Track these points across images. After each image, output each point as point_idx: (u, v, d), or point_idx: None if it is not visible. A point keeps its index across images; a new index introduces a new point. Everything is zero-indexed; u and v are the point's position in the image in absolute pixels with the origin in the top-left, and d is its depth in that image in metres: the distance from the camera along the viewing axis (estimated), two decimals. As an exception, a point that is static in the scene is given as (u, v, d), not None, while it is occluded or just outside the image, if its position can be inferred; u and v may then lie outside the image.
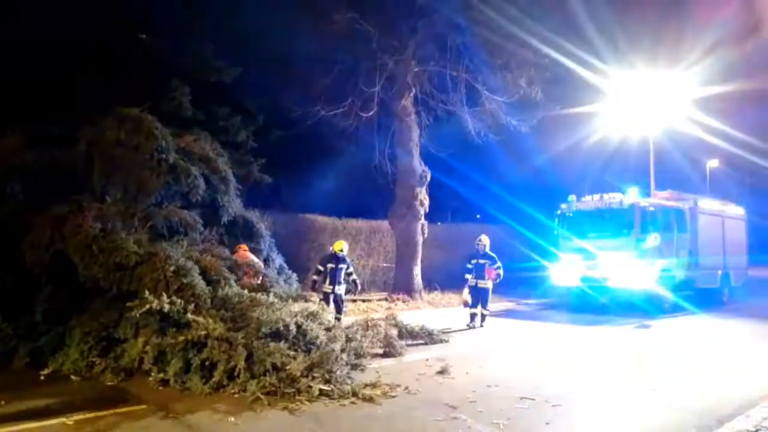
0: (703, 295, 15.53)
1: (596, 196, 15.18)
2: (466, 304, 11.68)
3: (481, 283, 11.48)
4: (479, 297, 11.54)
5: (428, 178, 16.88)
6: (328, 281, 10.11)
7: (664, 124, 19.91)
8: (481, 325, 11.43)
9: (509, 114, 16.18)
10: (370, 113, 15.63)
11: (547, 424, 5.23)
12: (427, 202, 16.95)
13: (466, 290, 11.69)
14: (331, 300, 10.00)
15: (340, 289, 10.27)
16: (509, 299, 17.72)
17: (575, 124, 20.02)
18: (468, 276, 11.67)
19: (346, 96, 15.40)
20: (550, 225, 16.66)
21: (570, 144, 21.72)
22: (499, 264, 11.48)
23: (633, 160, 22.62)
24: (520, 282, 20.42)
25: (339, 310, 10.19)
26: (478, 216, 30.28)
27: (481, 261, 11.56)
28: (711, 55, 17.16)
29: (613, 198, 14.76)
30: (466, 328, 11.39)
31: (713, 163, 28.93)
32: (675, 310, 14.10)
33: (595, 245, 14.44)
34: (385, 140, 16.99)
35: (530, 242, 20.99)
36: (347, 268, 10.40)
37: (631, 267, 13.66)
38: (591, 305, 14.54)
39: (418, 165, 16.71)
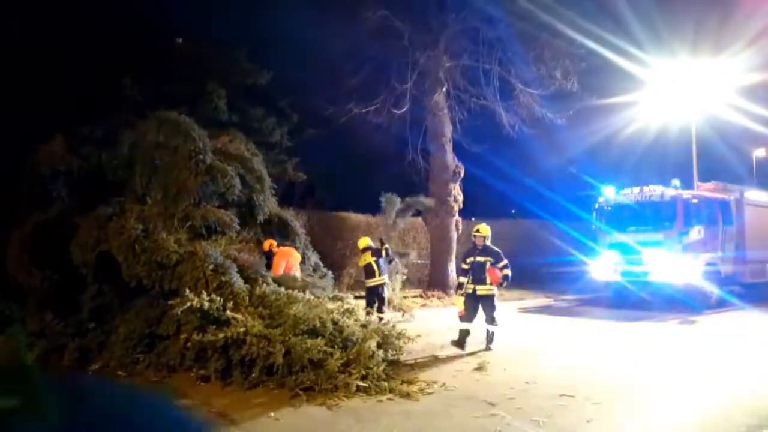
0: (751, 290, 14.94)
1: (636, 189, 14.78)
2: (462, 318, 8.58)
3: (482, 290, 8.49)
4: (480, 308, 8.59)
5: (462, 174, 16.77)
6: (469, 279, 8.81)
7: (707, 113, 19.23)
8: (489, 348, 8.39)
9: (544, 106, 15.94)
10: (403, 109, 15.63)
11: (588, 421, 5.12)
12: (461, 198, 16.84)
13: (460, 299, 8.80)
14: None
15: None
16: (546, 295, 17.47)
17: (612, 115, 19.56)
18: (463, 279, 8.77)
19: (378, 93, 15.44)
20: (587, 219, 16.33)
21: (607, 135, 21.23)
22: (505, 262, 8.59)
23: (673, 151, 21.98)
24: (557, 277, 20.12)
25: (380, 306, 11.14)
26: (513, 211, 29.90)
27: (480, 259, 8.60)
28: (757, 42, 16.48)
29: (654, 190, 14.35)
30: (454, 350, 8.32)
31: (760, 153, 27.69)
32: (721, 305, 13.62)
33: (636, 239, 14.07)
34: (417, 136, 16.99)
35: (566, 237, 20.63)
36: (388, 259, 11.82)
37: (674, 261, 13.26)
38: (631, 301, 14.18)
39: (452, 160, 16.61)
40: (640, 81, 17.40)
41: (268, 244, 10.27)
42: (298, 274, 10.02)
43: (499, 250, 8.67)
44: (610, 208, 15.14)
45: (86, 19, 12.94)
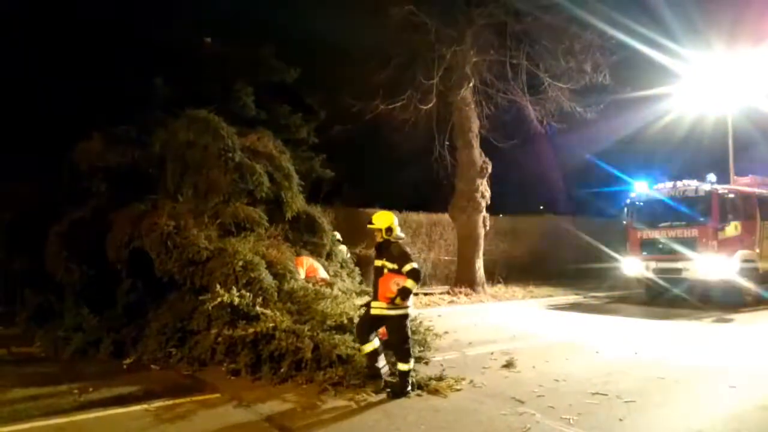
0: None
1: (669, 184, 14.44)
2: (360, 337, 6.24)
3: (375, 307, 5.96)
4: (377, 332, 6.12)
5: (489, 170, 16.61)
6: None
7: (744, 106, 18.62)
8: (395, 394, 5.73)
9: (573, 100, 15.66)
10: (429, 105, 15.55)
11: (621, 420, 5.04)
12: (488, 194, 16.69)
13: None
14: None
15: None
16: (575, 292, 17.21)
17: (644, 108, 19.12)
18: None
19: (404, 89, 15.38)
20: (618, 214, 16.02)
21: (638, 129, 20.77)
22: (410, 267, 5.78)
23: (707, 145, 21.37)
24: (586, 274, 19.82)
25: None
26: (541, 207, 29.54)
27: (377, 262, 6.04)
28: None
29: (688, 185, 13.98)
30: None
31: (800, 145, 26.71)
32: (759, 303, 13.22)
33: (670, 235, 13.77)
34: (444, 132, 16.88)
35: (596, 233, 20.30)
36: None
37: (709, 258, 12.92)
38: (664, 298, 13.87)
39: (479, 156, 16.47)
40: (673, 73, 16.94)
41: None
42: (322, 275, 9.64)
43: (406, 250, 6.06)
44: (642, 203, 14.85)
45: (120, 21, 13.27)
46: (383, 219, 6.10)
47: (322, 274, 9.69)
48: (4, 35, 12.25)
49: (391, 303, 5.79)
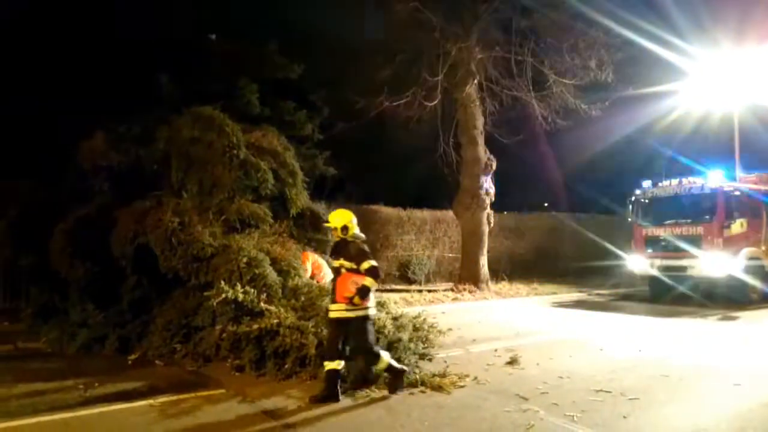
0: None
1: (675, 181, 14.38)
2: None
3: (336, 310, 5.64)
4: (344, 337, 5.66)
5: (494, 167, 16.59)
6: None
7: (751, 103, 18.50)
8: (402, 382, 5.80)
9: (578, 97, 15.61)
10: (434, 102, 15.52)
11: (625, 417, 5.03)
12: (492, 191, 16.68)
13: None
14: None
15: None
16: (579, 289, 17.19)
17: (649, 105, 19.02)
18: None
19: (409, 86, 15.36)
20: (622, 212, 15.97)
21: (643, 126, 20.68)
22: (368, 265, 5.54)
23: (713, 142, 21.27)
24: (591, 272, 19.79)
25: None
26: (545, 204, 29.50)
27: (335, 263, 5.85)
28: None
29: (693, 182, 13.93)
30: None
31: (807, 143, 26.52)
32: (764, 300, 13.16)
33: (675, 232, 13.72)
34: (449, 129, 16.86)
35: (601, 230, 20.26)
36: None
37: (715, 255, 12.87)
38: (669, 296, 13.81)
39: (483, 153, 16.44)
40: (679, 70, 16.84)
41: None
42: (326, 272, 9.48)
43: (364, 248, 5.74)
44: (647, 200, 14.81)
45: (123, 19, 13.30)
46: (339, 217, 5.86)
47: (326, 271, 9.68)
48: (10, 36, 12.30)
49: (350, 303, 5.51)
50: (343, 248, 5.79)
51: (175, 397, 5.62)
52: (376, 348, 5.75)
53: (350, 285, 5.54)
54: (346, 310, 5.55)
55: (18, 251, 9.72)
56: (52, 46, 12.76)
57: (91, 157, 9.70)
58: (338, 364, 5.58)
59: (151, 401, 5.47)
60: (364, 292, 5.50)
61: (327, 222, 6.00)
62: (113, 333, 7.89)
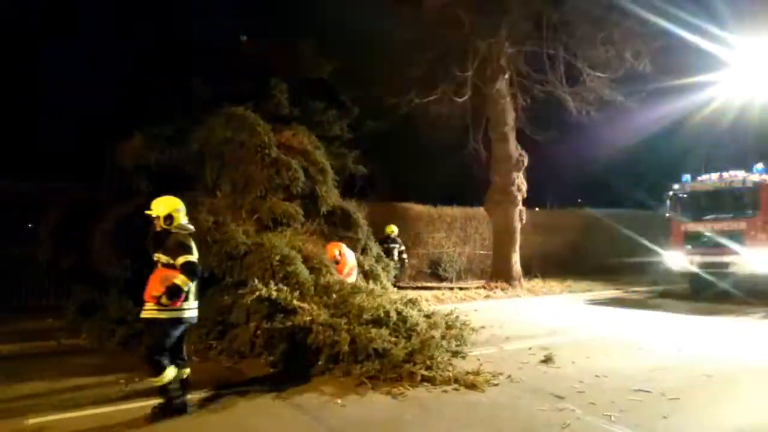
0: None
1: (715, 175, 13.97)
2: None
3: (145, 310, 5.11)
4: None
5: (525, 163, 16.37)
6: None
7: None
8: (173, 411, 4.99)
9: (613, 90, 15.23)
10: (464, 98, 15.38)
11: (665, 418, 4.89)
12: (524, 188, 16.45)
13: None
14: None
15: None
16: (615, 287, 16.82)
17: (685, 97, 18.43)
18: None
19: (438, 82, 15.26)
20: (658, 207, 15.59)
21: (679, 118, 20.07)
22: (183, 259, 5.00)
23: (754, 134, 20.52)
24: (626, 268, 19.35)
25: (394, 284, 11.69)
26: (579, 200, 28.97)
27: (156, 256, 5.22)
28: None
29: (735, 176, 13.50)
30: None
31: None
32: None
33: (715, 228, 13.32)
34: (478, 125, 16.68)
35: (636, 226, 19.78)
36: (399, 247, 12.90)
37: (758, 251, 12.44)
38: (709, 293, 13.41)
39: (515, 149, 16.23)
40: (718, 60, 16.27)
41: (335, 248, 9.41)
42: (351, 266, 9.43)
43: (184, 241, 5.14)
44: (685, 195, 14.44)
45: (156, 21, 13.60)
46: (163, 205, 5.23)
47: (350, 263, 9.48)
48: (52, 42, 12.72)
49: (158, 303, 4.90)
50: (163, 240, 5.14)
51: (212, 392, 5.73)
52: (163, 359, 4.95)
53: (161, 282, 4.93)
54: (156, 309, 4.93)
55: (59, 253, 10.01)
56: (93, 51, 13.14)
57: (129, 157, 9.94)
58: (172, 372, 4.99)
59: (189, 396, 5.57)
60: (173, 291, 4.86)
61: (149, 210, 5.29)
62: (151, 329, 8.06)
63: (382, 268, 11.08)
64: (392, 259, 12.62)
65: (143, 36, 13.34)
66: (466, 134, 16.82)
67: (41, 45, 12.78)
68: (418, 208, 18.43)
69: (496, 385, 5.93)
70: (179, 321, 5.05)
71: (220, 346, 7.37)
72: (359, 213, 12.36)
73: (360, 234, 11.51)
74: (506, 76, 15.61)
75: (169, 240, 5.11)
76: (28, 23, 12.71)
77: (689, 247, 13.88)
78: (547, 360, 6.96)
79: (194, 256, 5.06)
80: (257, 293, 7.16)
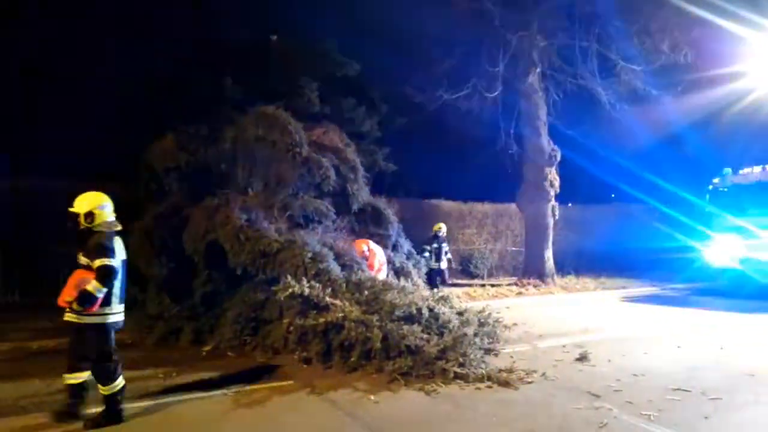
0: None
1: (757, 168, 13.52)
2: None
3: (69, 312, 4.73)
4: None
5: (558, 158, 16.10)
6: (433, 258, 12.41)
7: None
8: (114, 420, 4.73)
9: (648, 82, 14.84)
10: (494, 93, 15.21)
11: (706, 418, 4.76)
12: (557, 183, 16.19)
13: None
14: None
15: (443, 265, 12.55)
16: (652, 283, 16.43)
17: (723, 87, 17.81)
18: None
19: (469, 78, 15.13)
20: (696, 201, 15.18)
21: (717, 109, 19.40)
22: (101, 262, 4.60)
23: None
24: (662, 264, 18.86)
25: (443, 282, 12.58)
26: (612, 195, 28.33)
27: (78, 257, 4.82)
28: None
29: (779, 170, 13.05)
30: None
31: None
32: None
33: (758, 223, 12.88)
34: (510, 120, 16.47)
35: (672, 221, 19.25)
36: (446, 246, 12.76)
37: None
38: (751, 289, 12.95)
39: (547, 144, 15.99)
40: (758, 48, 15.67)
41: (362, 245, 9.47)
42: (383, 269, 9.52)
43: (104, 242, 4.73)
44: (726, 189, 14.02)
45: (188, 21, 13.86)
46: (85, 201, 4.82)
47: (380, 259, 9.59)
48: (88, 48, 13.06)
49: (69, 308, 4.62)
50: (85, 240, 4.77)
51: (247, 387, 5.82)
52: (109, 363, 4.74)
53: (75, 287, 4.57)
54: (77, 315, 4.64)
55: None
56: (125, 52, 13.42)
57: (162, 157, 10.17)
58: (80, 377, 4.73)
59: (225, 390, 5.69)
60: (83, 298, 4.50)
61: (71, 206, 4.88)
62: (188, 325, 8.24)
63: (413, 265, 11.07)
64: (443, 259, 12.61)
65: (175, 37, 13.56)
66: (497, 129, 16.63)
67: (78, 47, 13.13)
68: (448, 204, 18.35)
69: (530, 382, 5.87)
70: (102, 327, 4.73)
71: (255, 342, 7.49)
72: (389, 210, 12.38)
73: (390, 230, 11.52)
74: (538, 70, 15.38)
75: (91, 240, 4.73)
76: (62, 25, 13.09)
77: (730, 242, 13.46)
78: (582, 358, 6.84)
79: (113, 260, 4.64)
80: (290, 290, 7.22)
